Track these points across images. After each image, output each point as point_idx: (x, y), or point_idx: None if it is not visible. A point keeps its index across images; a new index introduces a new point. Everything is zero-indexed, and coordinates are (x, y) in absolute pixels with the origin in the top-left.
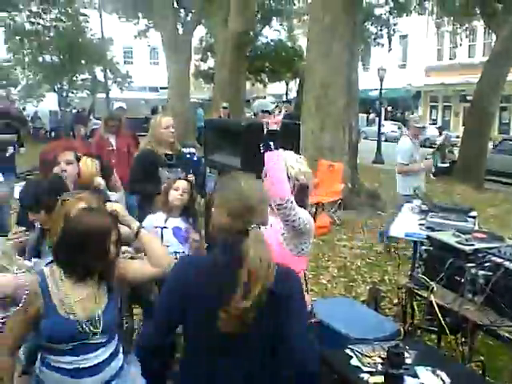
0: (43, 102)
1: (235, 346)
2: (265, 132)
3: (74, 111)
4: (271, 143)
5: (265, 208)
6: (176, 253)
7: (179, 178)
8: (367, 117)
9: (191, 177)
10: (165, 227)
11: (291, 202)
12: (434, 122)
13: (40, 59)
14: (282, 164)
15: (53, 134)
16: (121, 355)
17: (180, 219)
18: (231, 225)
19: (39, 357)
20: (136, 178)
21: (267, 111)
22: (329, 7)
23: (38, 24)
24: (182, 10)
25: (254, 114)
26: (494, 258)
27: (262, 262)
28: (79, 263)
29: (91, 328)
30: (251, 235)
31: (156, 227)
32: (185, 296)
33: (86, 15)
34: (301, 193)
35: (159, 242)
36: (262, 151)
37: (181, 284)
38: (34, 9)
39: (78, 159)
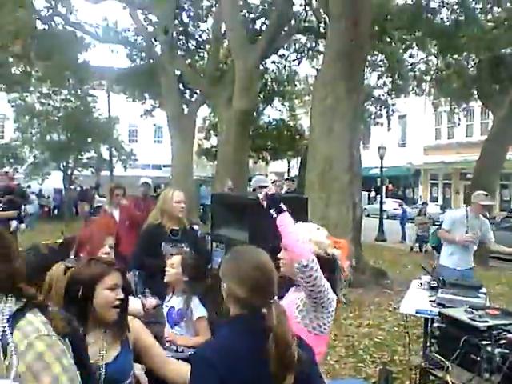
0: (48, 180)
1: None
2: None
3: (77, 189)
4: (282, 205)
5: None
6: (166, 333)
7: (171, 255)
8: (368, 194)
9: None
10: (166, 305)
11: (316, 263)
12: (435, 200)
13: (47, 138)
14: (295, 225)
15: (56, 211)
16: None
17: (181, 298)
18: (252, 299)
19: None
20: (140, 253)
21: (264, 186)
22: (332, 88)
23: (48, 104)
24: (187, 91)
25: (253, 190)
26: (509, 335)
27: (288, 336)
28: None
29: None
30: (274, 309)
31: (165, 304)
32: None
33: (94, 96)
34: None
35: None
36: (273, 216)
37: (217, 366)
38: (45, 90)
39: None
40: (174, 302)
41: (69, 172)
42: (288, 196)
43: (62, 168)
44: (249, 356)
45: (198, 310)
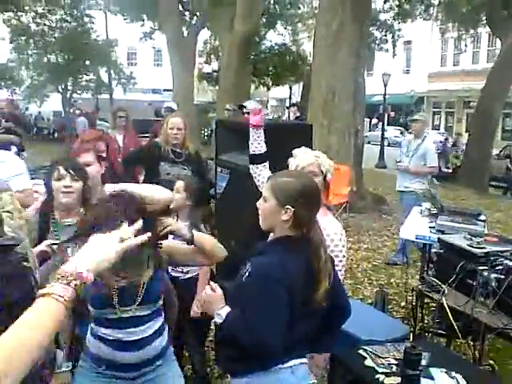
0: (47, 103)
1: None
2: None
3: (77, 112)
4: None
5: None
6: None
7: (167, 174)
8: (370, 121)
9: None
10: None
11: None
12: (437, 128)
13: (45, 59)
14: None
15: (56, 134)
16: (166, 334)
17: (186, 223)
18: (302, 212)
19: (89, 326)
20: (131, 156)
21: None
22: (337, 13)
23: (44, 25)
24: (187, 13)
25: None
26: (506, 262)
27: (326, 250)
28: None
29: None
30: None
31: None
32: (289, 290)
33: (91, 16)
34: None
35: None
36: None
37: (284, 281)
38: (40, 10)
39: (103, 159)
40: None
41: (68, 95)
42: (293, 123)
43: (60, 90)
44: (300, 269)
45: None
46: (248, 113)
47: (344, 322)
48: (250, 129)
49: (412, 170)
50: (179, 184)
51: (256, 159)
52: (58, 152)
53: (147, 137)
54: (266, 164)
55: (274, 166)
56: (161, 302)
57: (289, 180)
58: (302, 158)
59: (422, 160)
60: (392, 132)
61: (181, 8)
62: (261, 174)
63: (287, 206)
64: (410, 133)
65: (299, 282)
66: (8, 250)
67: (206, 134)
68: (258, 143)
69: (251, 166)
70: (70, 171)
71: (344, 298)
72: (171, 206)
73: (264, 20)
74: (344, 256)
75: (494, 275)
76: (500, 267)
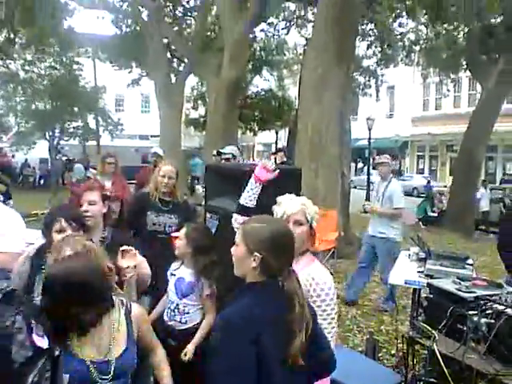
0: (33, 150)
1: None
2: None
3: (64, 159)
4: None
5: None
6: (171, 302)
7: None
8: (356, 166)
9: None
10: (173, 274)
11: None
12: (422, 172)
13: (33, 107)
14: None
15: (42, 181)
16: None
17: (191, 270)
18: (271, 263)
19: None
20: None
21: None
22: (322, 58)
23: (33, 72)
24: (175, 60)
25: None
26: (495, 306)
27: (304, 299)
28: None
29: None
30: (292, 274)
31: (171, 272)
32: (257, 341)
33: (80, 63)
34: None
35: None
36: None
37: (246, 330)
38: (29, 57)
39: (107, 198)
40: (184, 272)
41: (55, 142)
42: (283, 167)
43: (47, 137)
44: (269, 317)
45: (207, 285)
46: (227, 159)
47: (325, 376)
48: (253, 180)
49: (378, 210)
50: (181, 231)
51: (244, 211)
52: (45, 200)
53: (134, 183)
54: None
55: (265, 211)
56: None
57: (259, 226)
58: (287, 207)
59: (389, 202)
60: (377, 176)
61: (169, 55)
62: None
63: (255, 253)
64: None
65: (268, 332)
66: None
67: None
68: (253, 197)
69: (236, 216)
70: (72, 223)
71: (327, 352)
72: (176, 253)
73: (250, 66)
74: (335, 304)
75: (484, 320)
76: (490, 311)
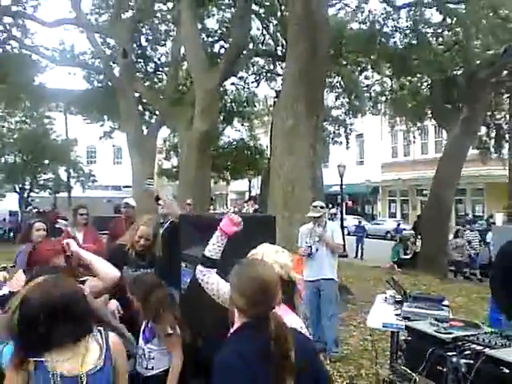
0: (3, 202)
1: None
2: None
3: (34, 211)
4: None
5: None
6: (139, 349)
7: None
8: (329, 211)
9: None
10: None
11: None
12: (394, 216)
13: (2, 160)
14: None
15: (11, 234)
16: None
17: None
18: (251, 310)
19: None
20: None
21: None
22: (292, 110)
23: (3, 127)
24: (146, 113)
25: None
26: (473, 346)
27: (287, 344)
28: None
29: None
30: (272, 320)
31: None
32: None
33: (51, 118)
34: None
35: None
36: None
37: (238, 367)
38: None
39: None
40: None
41: (25, 194)
42: (257, 216)
43: (17, 190)
44: (259, 359)
45: (161, 329)
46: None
47: None
48: (218, 233)
49: (327, 240)
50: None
51: (208, 262)
52: (14, 253)
53: (107, 233)
54: (215, 270)
55: (239, 257)
56: None
57: (238, 269)
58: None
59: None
60: (351, 221)
61: (140, 108)
62: (209, 277)
63: (231, 295)
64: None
65: (261, 372)
66: None
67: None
68: (218, 249)
69: (200, 267)
70: None
71: None
72: None
73: (221, 117)
74: None
75: (463, 360)
76: (468, 352)
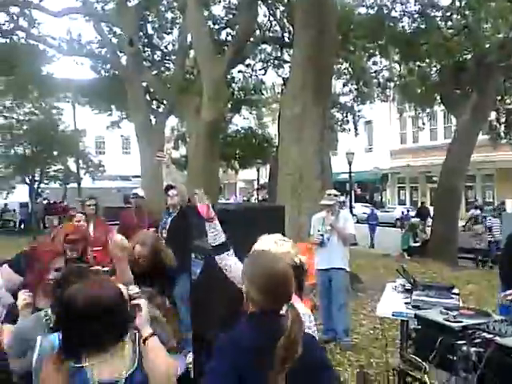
0: (13, 194)
1: None
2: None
3: (44, 202)
4: None
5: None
6: None
7: None
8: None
9: None
10: None
11: None
12: (403, 203)
13: (12, 152)
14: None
15: (22, 225)
16: None
17: None
18: (264, 302)
19: None
20: None
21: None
22: (299, 97)
23: (12, 118)
24: (154, 102)
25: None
26: (484, 334)
27: (298, 340)
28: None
29: None
30: (290, 313)
31: None
32: (237, 372)
33: (59, 108)
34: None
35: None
36: None
37: (231, 363)
38: (8, 103)
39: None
40: None
41: (35, 185)
42: (266, 206)
43: (27, 181)
44: (255, 350)
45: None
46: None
47: None
48: (206, 222)
49: (338, 229)
50: None
51: (217, 250)
52: (26, 244)
53: (117, 224)
54: (229, 252)
55: (248, 250)
56: None
57: (251, 260)
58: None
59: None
60: (360, 209)
61: (148, 97)
62: (227, 263)
63: (243, 285)
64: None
65: (251, 364)
66: None
67: None
68: (214, 235)
69: (216, 257)
70: None
71: None
72: None
73: (229, 105)
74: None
75: (473, 349)
76: (478, 340)
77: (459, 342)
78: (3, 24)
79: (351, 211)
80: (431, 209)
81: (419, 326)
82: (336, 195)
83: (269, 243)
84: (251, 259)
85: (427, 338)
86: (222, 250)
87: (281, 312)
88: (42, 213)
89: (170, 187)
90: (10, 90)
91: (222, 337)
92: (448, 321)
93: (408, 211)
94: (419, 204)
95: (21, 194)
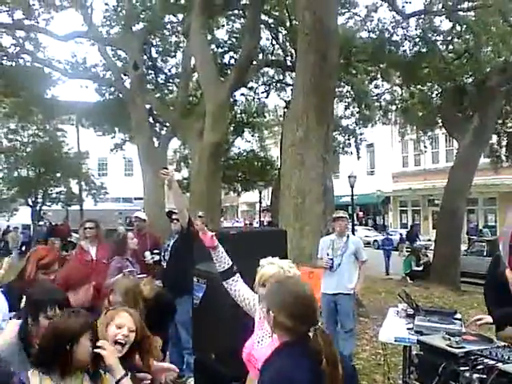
0: (16, 216)
1: None
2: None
3: (47, 224)
4: None
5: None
6: None
7: None
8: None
9: None
10: None
11: None
12: (405, 226)
13: (15, 174)
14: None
15: (24, 247)
16: None
17: None
18: (296, 327)
19: None
20: None
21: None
22: (302, 120)
23: (16, 140)
24: (157, 125)
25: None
26: (486, 360)
27: (336, 357)
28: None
29: None
30: (319, 334)
31: None
32: None
33: (63, 130)
34: None
35: None
36: None
37: None
38: (12, 126)
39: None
40: None
41: (37, 207)
42: (268, 230)
43: (30, 203)
44: (307, 377)
45: None
46: (176, 219)
47: None
48: (210, 250)
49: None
50: None
51: (224, 276)
52: None
53: None
54: (235, 277)
55: (252, 273)
56: None
57: (276, 286)
58: (265, 270)
59: (353, 257)
60: (362, 232)
61: (151, 120)
62: (234, 288)
63: (270, 312)
64: (330, 233)
65: None
66: None
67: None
68: (220, 261)
69: (223, 283)
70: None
71: None
72: None
73: (232, 128)
74: None
75: (475, 375)
76: (481, 366)
77: (462, 368)
78: (9, 47)
79: (353, 233)
80: (435, 229)
81: (422, 352)
82: (345, 217)
83: (275, 269)
84: (275, 288)
85: (430, 363)
86: (228, 276)
87: (309, 334)
88: (44, 235)
89: (171, 213)
90: (15, 113)
91: (273, 376)
92: (451, 346)
93: (406, 234)
94: (422, 227)
95: (23, 216)
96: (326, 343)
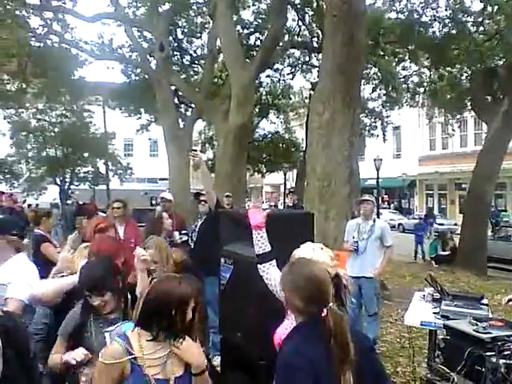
0: (44, 195)
1: None
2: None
3: (74, 203)
4: None
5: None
6: None
7: None
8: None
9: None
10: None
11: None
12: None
13: (44, 153)
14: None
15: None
16: None
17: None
18: (307, 308)
19: None
20: None
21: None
22: (328, 103)
23: (44, 120)
24: (182, 106)
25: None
26: None
27: (347, 338)
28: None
29: None
30: (330, 315)
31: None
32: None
33: (90, 111)
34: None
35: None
36: None
37: (306, 369)
38: (41, 106)
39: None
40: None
41: (65, 186)
42: (295, 213)
43: (58, 183)
44: (321, 357)
45: None
46: (204, 201)
47: None
48: (253, 230)
49: (379, 272)
50: None
51: (261, 259)
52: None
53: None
54: (273, 262)
55: (278, 256)
56: None
57: (289, 269)
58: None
59: (379, 241)
60: (387, 215)
61: (177, 101)
62: (268, 272)
63: (284, 293)
64: (354, 217)
65: (324, 369)
66: None
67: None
68: (262, 243)
69: (258, 266)
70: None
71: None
72: None
73: (257, 110)
74: None
75: (502, 361)
76: (508, 352)
77: (488, 354)
78: (37, 28)
79: (378, 217)
80: (460, 213)
81: (448, 337)
82: (371, 200)
83: (307, 250)
84: (289, 270)
85: (456, 348)
86: (266, 259)
87: (322, 315)
88: (72, 214)
89: (198, 194)
90: (43, 93)
91: (284, 355)
92: (477, 331)
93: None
94: (448, 211)
95: (52, 194)
96: (336, 323)
